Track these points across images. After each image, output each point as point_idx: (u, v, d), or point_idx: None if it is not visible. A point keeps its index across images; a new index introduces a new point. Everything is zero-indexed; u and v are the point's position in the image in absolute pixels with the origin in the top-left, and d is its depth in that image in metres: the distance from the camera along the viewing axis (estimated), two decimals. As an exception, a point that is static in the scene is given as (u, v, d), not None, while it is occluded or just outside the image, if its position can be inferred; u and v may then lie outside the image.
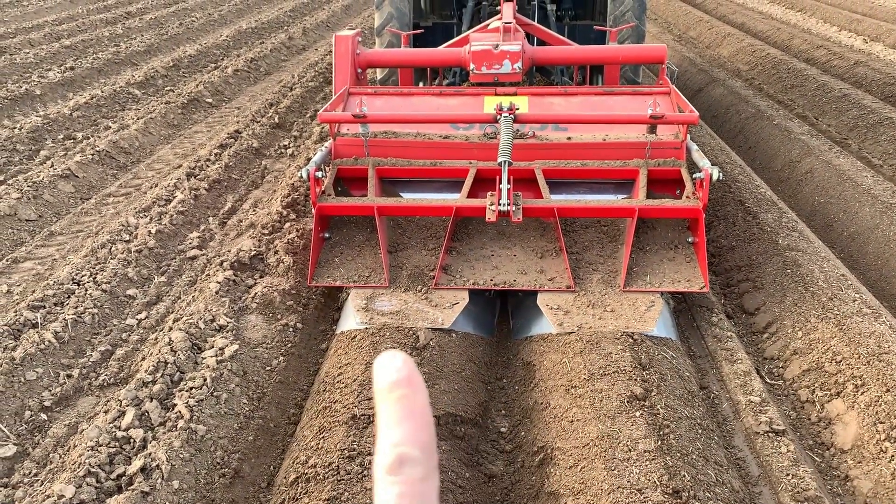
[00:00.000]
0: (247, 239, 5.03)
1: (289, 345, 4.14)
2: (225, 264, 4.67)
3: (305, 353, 4.20)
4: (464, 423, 3.47)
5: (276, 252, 4.81)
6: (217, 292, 4.36)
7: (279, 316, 4.32)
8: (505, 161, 4.30)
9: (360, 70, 5.61)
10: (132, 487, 2.95)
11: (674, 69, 5.65)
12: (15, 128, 7.64)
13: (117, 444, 3.20)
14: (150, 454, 3.10)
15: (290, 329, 4.25)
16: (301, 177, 4.45)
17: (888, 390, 3.41)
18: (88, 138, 7.64)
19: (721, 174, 4.25)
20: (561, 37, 6.24)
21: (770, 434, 3.41)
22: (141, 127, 7.83)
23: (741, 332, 4.40)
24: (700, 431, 3.33)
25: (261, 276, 4.65)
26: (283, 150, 7.40)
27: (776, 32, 12.29)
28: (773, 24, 12.99)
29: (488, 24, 6.04)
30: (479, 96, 5.21)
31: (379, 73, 6.94)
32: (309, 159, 4.97)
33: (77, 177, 6.57)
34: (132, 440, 3.23)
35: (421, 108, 5.17)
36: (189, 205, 5.85)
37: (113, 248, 5.10)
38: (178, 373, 3.68)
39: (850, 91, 8.40)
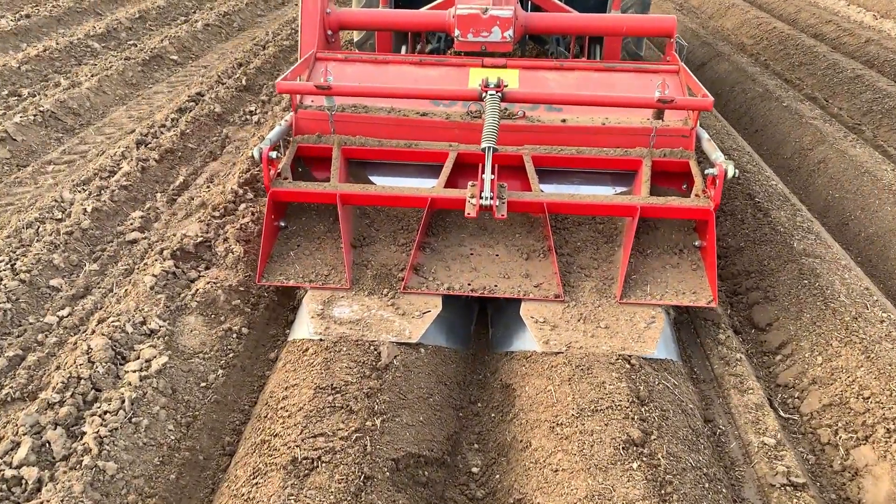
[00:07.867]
0: (194, 223, 4.42)
1: (231, 354, 3.57)
2: (165, 253, 4.07)
3: (250, 365, 3.62)
4: (428, 464, 2.93)
5: (225, 239, 4.22)
6: (152, 287, 3.77)
7: (222, 318, 3.74)
8: (489, 147, 3.69)
9: (330, 32, 4.95)
10: (14, 549, 2.40)
11: (683, 44, 5.03)
12: (-48, 81, 6.93)
13: (5, 487, 2.63)
14: (42, 503, 2.54)
15: (234, 335, 3.67)
16: (253, 156, 3.84)
17: (927, 439, 2.91)
18: (34, 96, 6.94)
19: (737, 171, 3.68)
20: (559, 2, 5.58)
21: (787, 487, 2.90)
22: (94, 85, 7.13)
23: (751, 352, 3.87)
24: (707, 484, 2.80)
25: (206, 268, 4.06)
26: (248, 117, 6.74)
27: (783, 4, 11.64)
28: (780, -4, 12.31)
29: (477, -15, 5.38)
30: (463, 67, 4.59)
31: (356, 36, 6.26)
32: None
33: (15, 140, 5.90)
34: (24, 482, 2.66)
35: (396, 80, 4.54)
36: (135, 178, 5.21)
37: (41, 229, 4.48)
38: (93, 391, 3.11)
39: (863, 72, 7.80)
